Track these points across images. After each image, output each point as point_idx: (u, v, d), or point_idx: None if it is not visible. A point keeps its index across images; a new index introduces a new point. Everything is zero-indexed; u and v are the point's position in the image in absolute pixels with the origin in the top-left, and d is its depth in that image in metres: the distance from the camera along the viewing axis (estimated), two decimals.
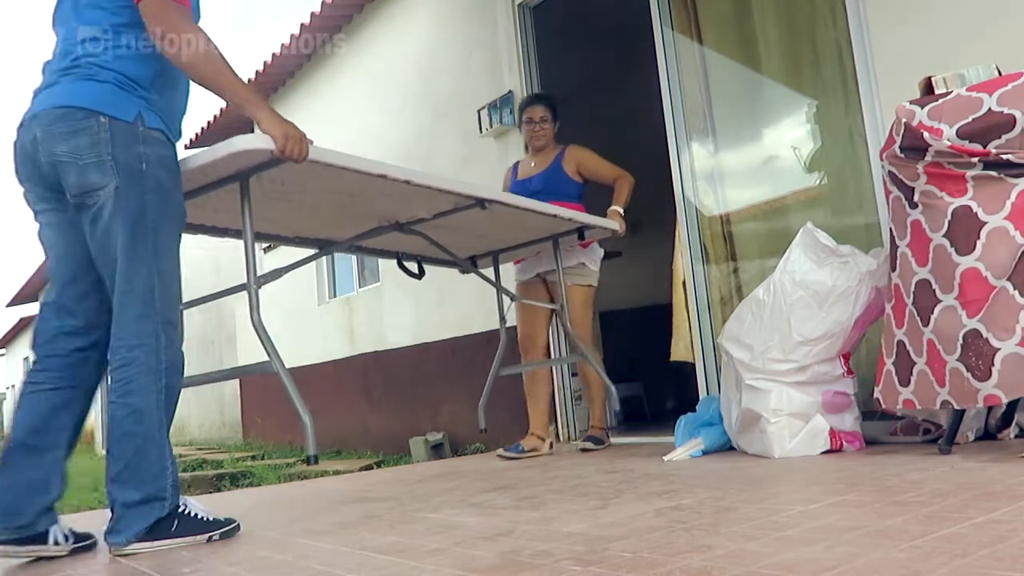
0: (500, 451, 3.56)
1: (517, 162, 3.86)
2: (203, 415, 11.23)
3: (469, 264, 3.42)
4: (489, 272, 3.44)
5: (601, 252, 3.69)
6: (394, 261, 3.13)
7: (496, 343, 3.45)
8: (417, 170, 2.39)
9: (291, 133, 1.88)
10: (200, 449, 8.95)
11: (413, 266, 3.14)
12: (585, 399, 3.77)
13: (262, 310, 2.02)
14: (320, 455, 6.45)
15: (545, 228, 3.18)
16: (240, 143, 1.88)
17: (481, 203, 2.55)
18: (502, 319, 3.42)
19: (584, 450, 3.47)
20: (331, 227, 2.76)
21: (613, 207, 3.47)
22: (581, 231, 3.24)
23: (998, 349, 2.00)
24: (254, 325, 1.95)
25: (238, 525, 1.96)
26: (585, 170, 3.60)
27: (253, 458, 6.77)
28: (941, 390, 2.19)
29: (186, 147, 8.66)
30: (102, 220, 1.81)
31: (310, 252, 2.73)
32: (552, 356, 3.97)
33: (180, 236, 1.94)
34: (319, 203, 2.42)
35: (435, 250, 3.04)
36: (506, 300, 3.41)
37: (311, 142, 1.94)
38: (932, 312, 2.19)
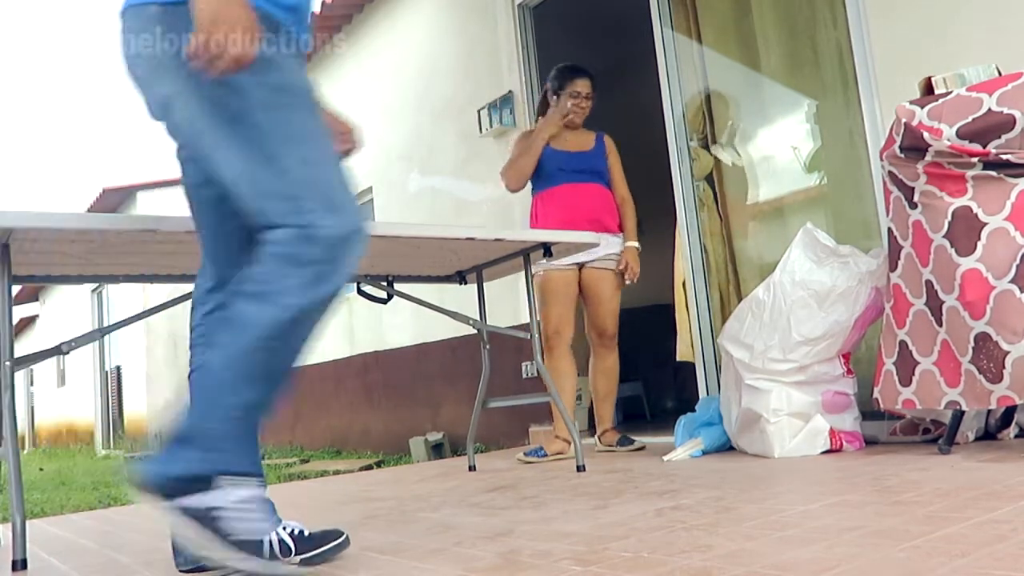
0: (519, 456, 3.36)
1: (530, 130, 3.53)
2: None
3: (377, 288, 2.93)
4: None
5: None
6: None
7: (496, 343, 3.27)
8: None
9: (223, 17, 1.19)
10: None
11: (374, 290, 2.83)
12: (594, 396, 3.46)
13: None
14: (319, 455, 6.46)
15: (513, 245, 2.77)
16: None
17: None
18: (484, 344, 3.10)
19: (637, 449, 3.26)
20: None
21: (628, 244, 3.39)
22: (548, 248, 2.81)
23: (1008, 352, 2.01)
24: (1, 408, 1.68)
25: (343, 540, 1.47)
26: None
27: None
28: (951, 390, 2.19)
29: None
30: None
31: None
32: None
33: None
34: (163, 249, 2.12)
35: (416, 267, 2.86)
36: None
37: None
38: (941, 312, 2.19)
